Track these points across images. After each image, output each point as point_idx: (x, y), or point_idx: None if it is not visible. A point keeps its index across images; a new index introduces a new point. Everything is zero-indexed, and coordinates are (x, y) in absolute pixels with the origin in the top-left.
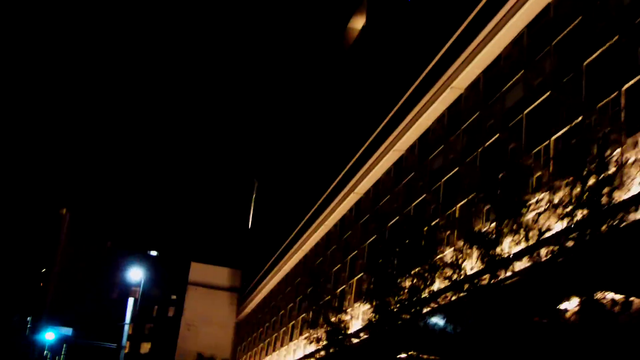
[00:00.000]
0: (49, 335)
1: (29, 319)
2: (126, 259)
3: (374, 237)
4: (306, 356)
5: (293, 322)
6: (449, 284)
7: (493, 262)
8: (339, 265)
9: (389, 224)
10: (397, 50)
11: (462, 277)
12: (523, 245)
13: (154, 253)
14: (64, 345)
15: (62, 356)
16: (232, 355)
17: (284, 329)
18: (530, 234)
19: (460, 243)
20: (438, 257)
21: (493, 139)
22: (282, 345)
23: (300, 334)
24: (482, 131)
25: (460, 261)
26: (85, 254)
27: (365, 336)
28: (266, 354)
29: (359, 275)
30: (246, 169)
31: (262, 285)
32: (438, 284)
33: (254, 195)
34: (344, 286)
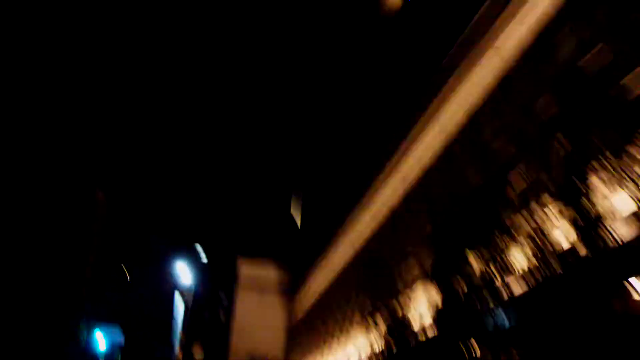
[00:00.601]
0: (101, 346)
1: (81, 324)
2: (172, 256)
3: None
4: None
5: (347, 324)
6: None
7: None
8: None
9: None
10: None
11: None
12: None
13: (200, 250)
14: (119, 349)
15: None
16: (285, 357)
17: (338, 331)
18: None
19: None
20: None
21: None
22: (338, 347)
23: (355, 335)
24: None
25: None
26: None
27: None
28: (322, 357)
29: (414, 271)
30: (293, 165)
31: (315, 286)
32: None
33: (301, 199)
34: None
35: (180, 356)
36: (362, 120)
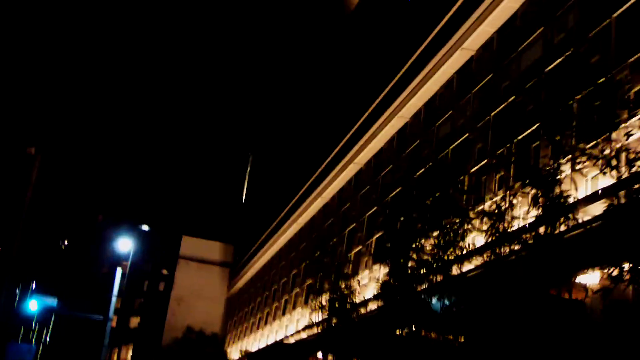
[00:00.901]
0: (32, 305)
1: (17, 290)
2: (116, 232)
3: (374, 209)
4: (301, 330)
5: (286, 297)
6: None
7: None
8: (334, 239)
9: (391, 195)
10: (401, 12)
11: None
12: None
13: (145, 227)
14: (53, 317)
15: (50, 329)
16: (223, 330)
17: (276, 304)
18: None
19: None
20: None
21: (508, 101)
22: (274, 320)
23: (294, 308)
24: (496, 94)
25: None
26: (74, 226)
27: (374, 307)
28: (257, 329)
29: (358, 249)
30: (240, 141)
31: (255, 260)
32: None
33: (248, 169)
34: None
35: (115, 324)
36: (318, 106)
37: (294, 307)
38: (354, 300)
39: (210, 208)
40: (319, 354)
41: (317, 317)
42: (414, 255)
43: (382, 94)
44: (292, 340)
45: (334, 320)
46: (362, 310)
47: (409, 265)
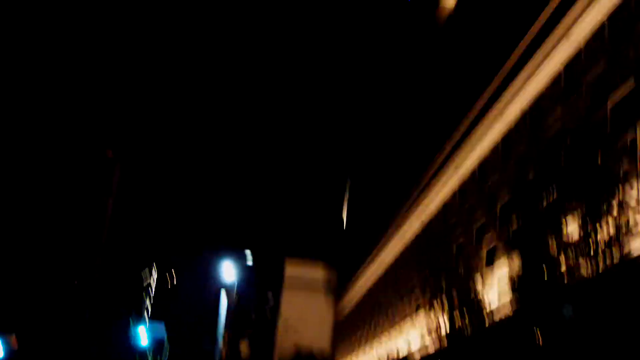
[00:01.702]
0: (143, 341)
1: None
2: (220, 263)
3: (482, 222)
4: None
5: (398, 316)
6: None
7: None
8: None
9: (500, 204)
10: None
11: None
12: None
13: (249, 262)
14: (165, 349)
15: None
16: (332, 354)
17: (387, 325)
18: None
19: None
20: None
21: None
22: (390, 340)
23: (411, 323)
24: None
25: None
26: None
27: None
28: (372, 350)
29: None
30: (338, 167)
31: (362, 283)
32: None
33: (346, 195)
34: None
35: (225, 354)
36: (411, 120)
37: (411, 323)
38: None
39: (312, 235)
40: None
41: (443, 328)
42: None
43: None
44: (418, 357)
45: (459, 326)
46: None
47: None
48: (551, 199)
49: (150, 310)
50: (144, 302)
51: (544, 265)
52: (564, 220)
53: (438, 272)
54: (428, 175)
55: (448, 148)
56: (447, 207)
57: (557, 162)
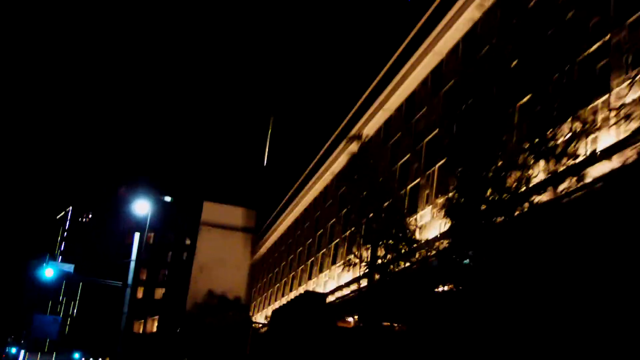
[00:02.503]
0: (48, 272)
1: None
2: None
3: (407, 157)
4: (334, 290)
5: (312, 258)
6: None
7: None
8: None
9: (425, 140)
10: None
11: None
12: None
13: (167, 198)
14: (79, 290)
15: (76, 302)
16: (247, 297)
17: (302, 266)
18: None
19: None
20: None
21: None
22: (300, 284)
23: (321, 270)
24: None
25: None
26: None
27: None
28: (282, 295)
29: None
30: (261, 103)
31: (279, 224)
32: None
33: (269, 131)
34: None
35: (141, 295)
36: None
37: (321, 269)
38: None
39: (232, 173)
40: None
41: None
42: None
43: (414, 31)
44: (333, 298)
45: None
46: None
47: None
48: None
49: (63, 251)
50: (58, 243)
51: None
52: None
53: (363, 208)
54: (352, 112)
55: (375, 81)
56: (372, 143)
57: None
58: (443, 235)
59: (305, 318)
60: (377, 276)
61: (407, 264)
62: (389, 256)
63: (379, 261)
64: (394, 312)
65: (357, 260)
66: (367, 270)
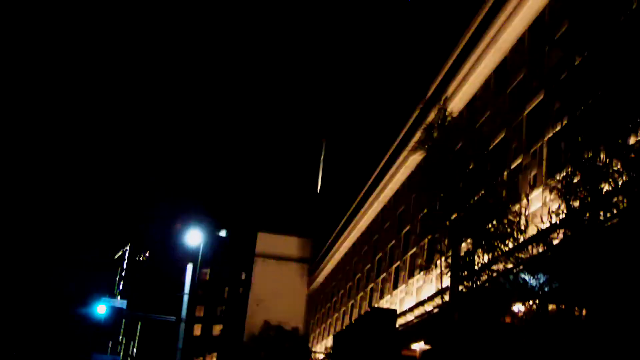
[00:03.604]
0: (100, 309)
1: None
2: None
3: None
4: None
5: (372, 284)
6: None
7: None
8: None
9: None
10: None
11: None
12: None
13: (222, 234)
14: (139, 328)
15: (136, 341)
16: (305, 328)
17: (361, 294)
18: None
19: None
20: None
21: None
22: (359, 312)
23: (382, 296)
24: None
25: None
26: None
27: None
28: (342, 324)
29: None
30: (313, 128)
31: (334, 251)
32: None
33: (322, 156)
34: None
35: (199, 332)
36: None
37: (381, 295)
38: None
39: (286, 201)
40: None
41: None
42: None
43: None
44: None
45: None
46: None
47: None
48: None
49: (121, 291)
50: (117, 284)
51: None
52: None
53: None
54: (403, 131)
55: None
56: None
57: None
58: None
59: (372, 339)
60: (461, 287)
61: (510, 265)
62: (481, 257)
63: (468, 266)
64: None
65: (432, 275)
66: (450, 278)
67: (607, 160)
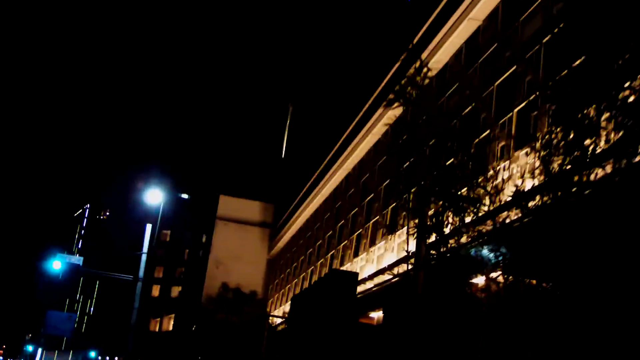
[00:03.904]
0: (55, 264)
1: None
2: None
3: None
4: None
5: (332, 251)
6: None
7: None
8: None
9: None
10: None
11: None
12: None
13: (184, 196)
14: (96, 287)
15: (93, 300)
16: (264, 293)
17: (322, 260)
18: None
19: None
20: None
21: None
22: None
23: (342, 263)
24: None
25: None
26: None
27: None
28: (300, 290)
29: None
30: (278, 92)
31: (297, 217)
32: None
33: (287, 121)
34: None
35: (158, 293)
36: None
37: (342, 262)
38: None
39: (249, 166)
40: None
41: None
42: None
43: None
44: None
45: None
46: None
47: None
48: None
49: (80, 249)
50: (75, 241)
51: None
52: None
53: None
54: (374, 96)
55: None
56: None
57: None
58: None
59: (331, 303)
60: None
61: (475, 233)
62: (449, 222)
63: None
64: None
65: (394, 243)
66: (415, 245)
67: (595, 115)
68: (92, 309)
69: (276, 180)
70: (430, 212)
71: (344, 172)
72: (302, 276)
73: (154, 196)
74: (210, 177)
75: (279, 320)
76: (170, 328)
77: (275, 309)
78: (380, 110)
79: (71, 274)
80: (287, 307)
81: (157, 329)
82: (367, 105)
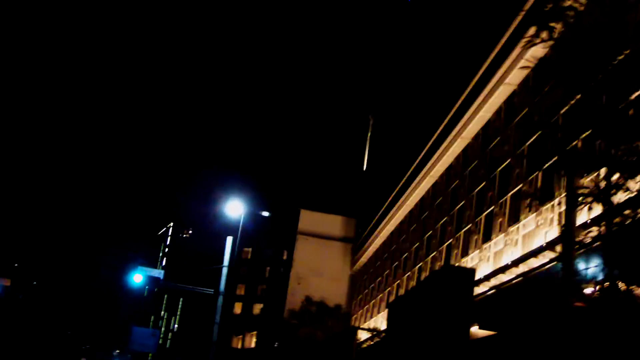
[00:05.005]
0: (136, 278)
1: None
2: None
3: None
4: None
5: (420, 264)
6: None
7: None
8: (482, 185)
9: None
10: None
11: None
12: None
13: (265, 214)
14: (180, 304)
15: (177, 317)
16: (347, 309)
17: (409, 273)
18: None
19: None
20: None
21: None
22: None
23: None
24: None
25: None
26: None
27: None
28: (386, 304)
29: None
30: (359, 105)
31: (380, 230)
32: None
33: (369, 134)
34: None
35: (240, 311)
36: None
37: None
38: None
39: (330, 180)
40: None
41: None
42: None
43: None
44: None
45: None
46: None
47: None
48: None
49: (164, 267)
50: (159, 259)
51: None
52: None
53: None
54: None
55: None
56: (486, 131)
57: None
58: None
59: (446, 302)
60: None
61: None
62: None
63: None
64: None
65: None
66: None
67: None
68: (175, 325)
69: (357, 193)
70: (591, 177)
71: (431, 180)
72: (387, 291)
73: (235, 208)
74: (291, 192)
75: (364, 337)
76: (253, 345)
77: (359, 325)
78: (470, 111)
79: (151, 287)
80: (372, 323)
81: (239, 346)
82: (454, 109)
